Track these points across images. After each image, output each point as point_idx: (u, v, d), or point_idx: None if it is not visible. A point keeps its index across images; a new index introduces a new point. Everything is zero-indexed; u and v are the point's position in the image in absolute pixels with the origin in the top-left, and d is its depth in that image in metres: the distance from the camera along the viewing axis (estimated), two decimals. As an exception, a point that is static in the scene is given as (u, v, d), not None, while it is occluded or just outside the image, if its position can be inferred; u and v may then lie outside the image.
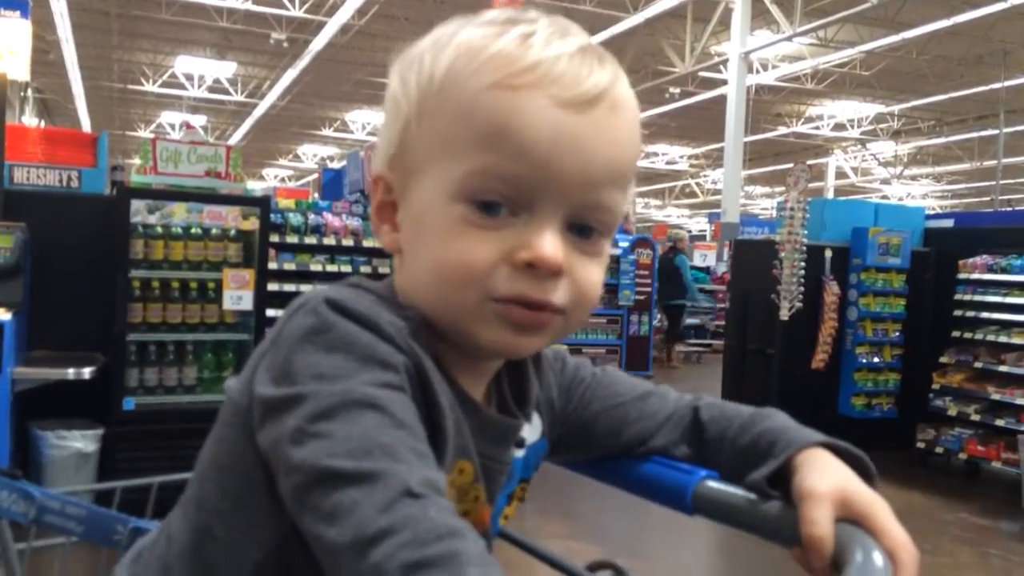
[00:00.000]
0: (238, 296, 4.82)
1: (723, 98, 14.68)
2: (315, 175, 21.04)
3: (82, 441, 4.34)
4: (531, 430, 0.81)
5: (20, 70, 4.85)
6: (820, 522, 0.61)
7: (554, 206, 0.66)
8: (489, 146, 0.64)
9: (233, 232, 4.95)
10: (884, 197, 26.06)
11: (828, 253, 7.04)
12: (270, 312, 5.04)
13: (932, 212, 8.67)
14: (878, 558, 0.54)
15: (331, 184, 11.29)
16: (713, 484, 0.68)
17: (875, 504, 0.63)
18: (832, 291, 6.95)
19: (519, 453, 0.80)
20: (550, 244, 0.66)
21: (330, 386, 0.60)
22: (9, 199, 4.69)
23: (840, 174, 26.05)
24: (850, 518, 0.61)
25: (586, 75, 0.66)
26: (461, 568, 0.50)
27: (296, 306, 0.66)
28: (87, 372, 4.27)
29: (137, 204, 4.67)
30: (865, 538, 0.56)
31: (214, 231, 4.89)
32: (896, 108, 19.60)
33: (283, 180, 33.37)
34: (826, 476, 0.65)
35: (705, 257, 16.93)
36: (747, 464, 0.71)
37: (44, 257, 4.63)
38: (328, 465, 0.56)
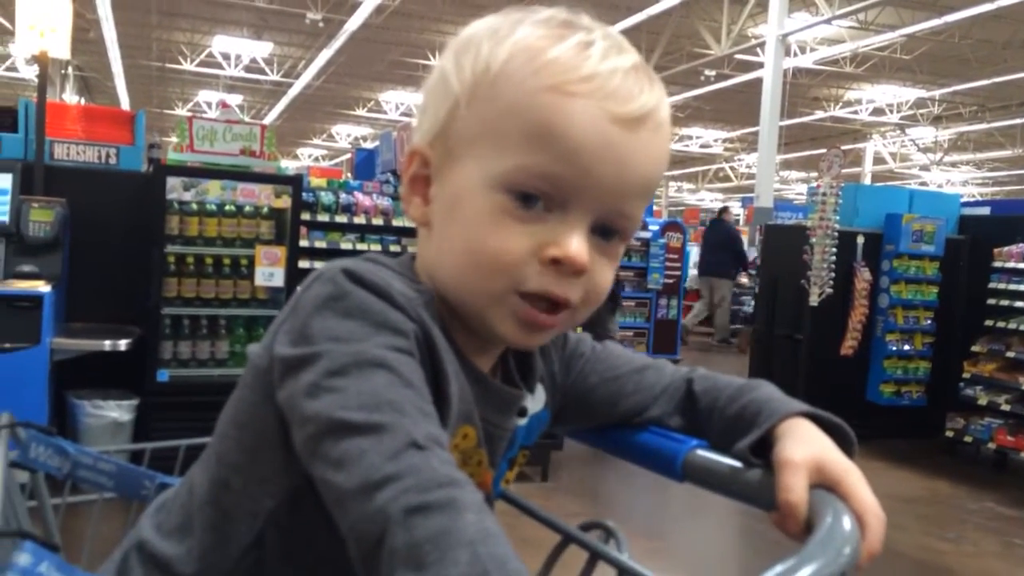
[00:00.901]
0: (270, 272, 4.91)
1: (759, 81, 14.51)
2: (348, 155, 21.18)
3: (117, 411, 4.47)
4: (534, 401, 0.86)
5: (61, 48, 4.93)
6: (795, 488, 0.65)
7: (586, 209, 0.70)
8: (538, 144, 0.68)
9: (266, 210, 5.03)
10: (923, 184, 25.63)
11: (860, 239, 6.98)
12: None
13: (969, 199, 8.54)
14: (847, 521, 0.57)
15: (364, 164, 11.36)
16: (702, 453, 0.71)
17: (848, 472, 0.67)
18: (863, 278, 6.89)
19: (521, 421, 0.84)
20: (578, 244, 0.70)
21: (345, 347, 0.64)
22: (50, 174, 4.81)
23: (878, 160, 25.65)
24: (825, 484, 0.65)
25: (637, 93, 0.70)
26: (459, 513, 0.54)
27: (315, 276, 0.71)
28: (123, 344, 4.38)
29: (173, 181, 4.76)
30: (836, 502, 0.60)
31: (247, 208, 4.98)
32: (937, 93, 19.23)
33: (316, 160, 33.59)
34: (803, 445, 0.69)
35: (737, 242, 16.78)
36: (735, 433, 0.75)
37: (83, 232, 4.74)
38: (340, 416, 0.60)
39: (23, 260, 4.50)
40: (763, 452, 0.71)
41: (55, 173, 4.84)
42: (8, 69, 20.11)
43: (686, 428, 0.83)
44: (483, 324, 0.73)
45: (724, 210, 13.15)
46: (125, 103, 23.14)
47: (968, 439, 6.68)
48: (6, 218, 4.49)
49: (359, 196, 5.79)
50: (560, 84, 0.68)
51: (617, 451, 0.80)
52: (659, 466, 0.73)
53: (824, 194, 6.75)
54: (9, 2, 6.70)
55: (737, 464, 0.68)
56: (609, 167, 0.69)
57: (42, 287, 4.25)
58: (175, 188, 4.78)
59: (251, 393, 0.74)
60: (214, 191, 4.91)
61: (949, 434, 6.82)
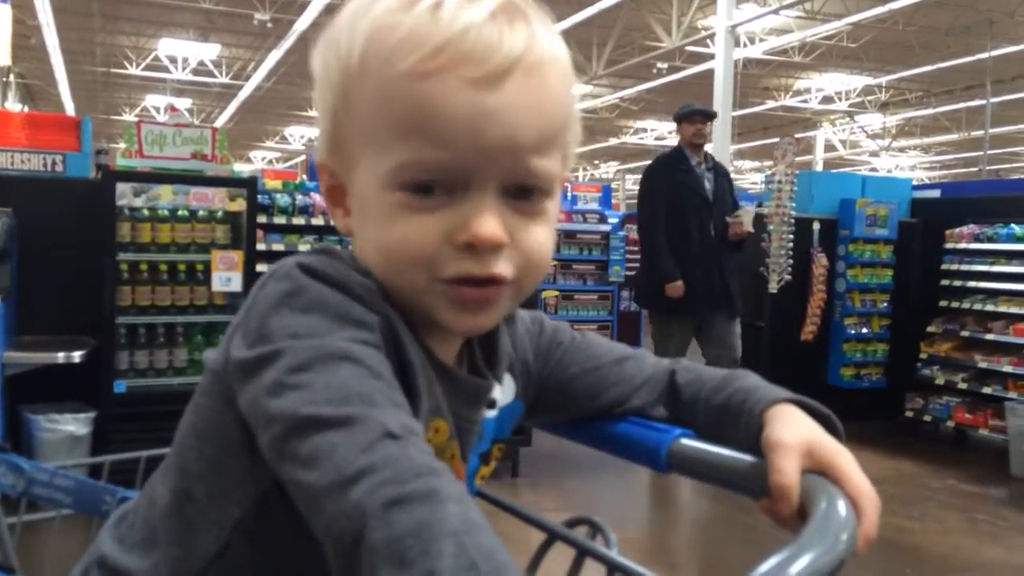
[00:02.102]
0: (227, 277, 4.82)
1: (711, 72, 14.64)
2: (303, 156, 20.92)
3: (74, 424, 4.35)
4: (503, 392, 0.83)
5: (1, 55, 4.79)
6: (787, 471, 0.63)
7: (486, 181, 0.66)
8: (411, 137, 0.65)
9: (220, 214, 4.94)
10: (873, 169, 26.09)
11: (816, 225, 7.06)
12: (259, 293, 5.02)
13: (919, 183, 8.71)
14: (842, 506, 0.55)
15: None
16: (686, 442, 0.69)
17: (840, 454, 0.65)
18: (820, 263, 6.98)
19: (490, 414, 0.82)
20: (487, 223, 0.66)
21: (307, 341, 0.61)
22: (-7, 184, 4.66)
23: (829, 147, 26.05)
24: (816, 468, 0.63)
25: (496, 44, 0.64)
26: (440, 504, 0.51)
27: (269, 274, 0.68)
28: (77, 356, 4.27)
29: (122, 187, 4.65)
30: (830, 487, 0.58)
31: (201, 213, 4.88)
32: (883, 80, 19.58)
33: (270, 162, 33.18)
34: (793, 428, 0.67)
35: (695, 232, 16.95)
36: (720, 423, 0.74)
37: (31, 242, 4.61)
38: (307, 412, 0.57)
39: (-32, 273, 4.36)
40: (750, 442, 0.70)
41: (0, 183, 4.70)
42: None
43: (669, 419, 0.80)
44: (426, 315, 0.71)
45: None
46: (70, 110, 22.62)
47: (928, 418, 6.81)
48: (-51, 231, 4.35)
49: (316, 197, 5.71)
50: (413, 65, 0.64)
51: (597, 443, 0.78)
52: (642, 457, 0.72)
53: (779, 182, 6.82)
54: (-56, 8, 6.52)
55: (724, 451, 0.66)
56: (490, 135, 0.64)
57: (-10, 300, 4.12)
58: (125, 194, 4.67)
59: (209, 400, 0.71)
60: (166, 196, 4.81)
61: (909, 414, 6.95)
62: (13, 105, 18.97)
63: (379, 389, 0.59)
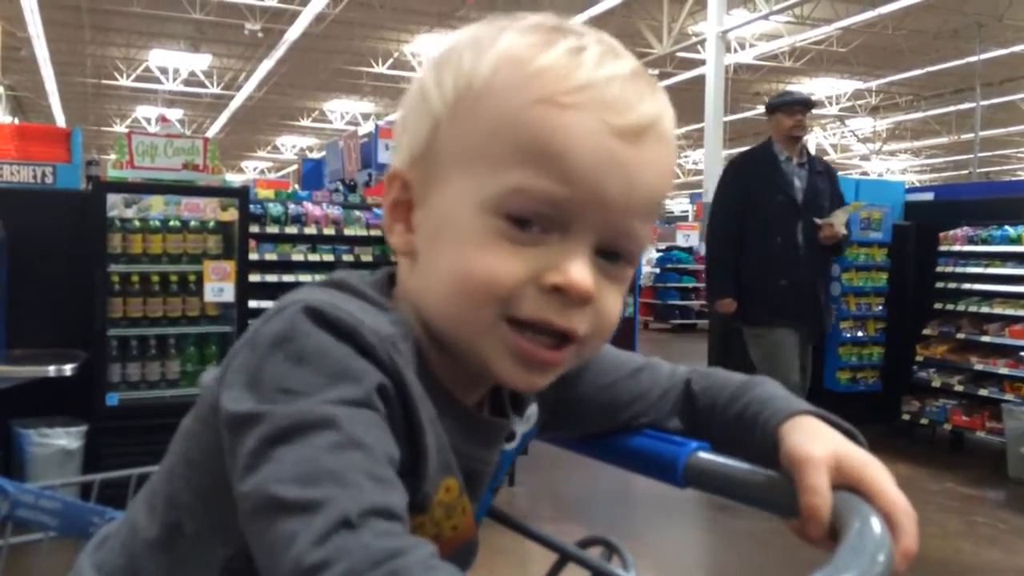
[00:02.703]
0: (219, 288, 4.78)
1: (702, 78, 14.67)
2: (295, 166, 20.89)
3: (65, 438, 4.30)
4: (524, 422, 0.79)
5: (-11, 65, 4.76)
6: (819, 489, 0.59)
7: (589, 230, 0.64)
8: (532, 163, 0.62)
9: (212, 224, 4.90)
10: (864, 173, 26.19)
11: (810, 229, 7.05)
12: (253, 303, 5.00)
13: (910, 187, 8.73)
14: (876, 524, 0.52)
15: (311, 174, 11.20)
16: (705, 455, 0.66)
17: (870, 466, 0.61)
18: (815, 267, 6.97)
19: (510, 446, 0.78)
20: (582, 269, 0.63)
21: (290, 405, 0.57)
22: (-17, 197, 4.62)
23: (819, 151, 26.14)
24: (846, 483, 0.60)
25: (637, 102, 0.64)
26: None
27: (276, 309, 0.64)
28: (68, 369, 4.21)
29: (113, 198, 4.61)
30: (861, 504, 0.55)
31: (193, 223, 4.84)
32: (874, 84, 19.67)
33: (262, 172, 33.14)
34: (819, 441, 0.63)
35: (688, 237, 16.98)
36: (736, 434, 0.70)
37: (21, 254, 4.57)
38: (273, 493, 0.54)
39: (-42, 287, 4.31)
40: (767, 455, 0.66)
41: (-11, 195, 4.65)
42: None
43: (685, 431, 0.77)
44: (478, 361, 0.66)
45: None
46: (61, 121, 22.56)
47: (924, 421, 6.80)
48: (-62, 244, 4.30)
49: (308, 206, 5.68)
50: (552, 95, 0.62)
51: (609, 458, 0.75)
52: (658, 472, 0.68)
53: (773, 186, 6.80)
54: (-68, 20, 6.48)
55: (745, 466, 0.63)
56: (613, 184, 0.62)
57: (-21, 314, 4.07)
58: (116, 205, 4.62)
59: (203, 428, 0.67)
60: (157, 207, 4.77)
61: (905, 417, 6.93)
62: (3, 117, 18.90)
63: (355, 463, 0.54)
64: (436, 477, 0.66)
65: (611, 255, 0.66)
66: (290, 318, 0.61)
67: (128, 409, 4.54)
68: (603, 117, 0.62)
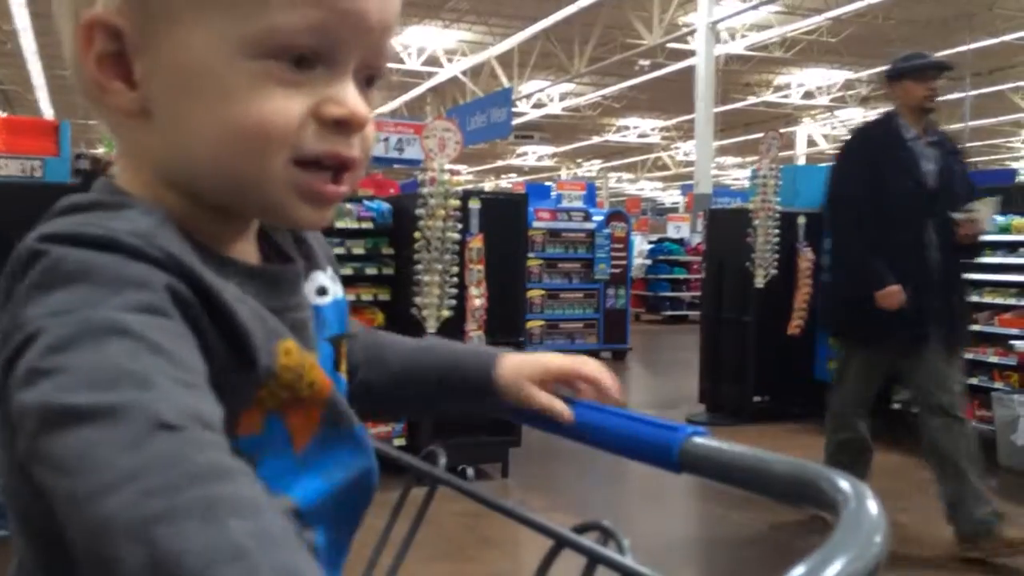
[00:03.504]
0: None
1: (692, 69, 14.67)
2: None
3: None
4: (331, 281, 0.77)
5: (-24, 58, 4.71)
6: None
7: (353, 56, 0.62)
8: None
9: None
10: (854, 164, 26.21)
11: (801, 220, 7.07)
12: (244, 297, 4.97)
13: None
14: (872, 504, 0.52)
15: (301, 167, 11.14)
16: (700, 440, 0.66)
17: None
18: (806, 257, 6.99)
19: (323, 300, 0.75)
20: (356, 97, 0.62)
21: (68, 317, 0.50)
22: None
23: (811, 142, 26.19)
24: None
25: None
26: (219, 520, 0.41)
27: (11, 264, 0.56)
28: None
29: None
30: (858, 484, 0.55)
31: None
32: (864, 74, 19.68)
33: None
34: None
35: (679, 229, 17.00)
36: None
37: (9, 249, 4.53)
38: (61, 402, 0.46)
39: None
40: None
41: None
42: None
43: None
44: (260, 210, 0.64)
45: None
46: (49, 115, 22.40)
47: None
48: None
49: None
50: None
51: (603, 445, 0.75)
52: (653, 458, 0.68)
53: (764, 176, 6.82)
54: (-83, 13, 6.41)
55: (743, 450, 0.63)
56: (370, 5, 0.61)
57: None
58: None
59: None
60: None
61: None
62: (-10, 111, 18.76)
63: (158, 366, 0.48)
64: (268, 346, 0.62)
65: (369, 79, 0.65)
66: (32, 254, 0.54)
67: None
68: None
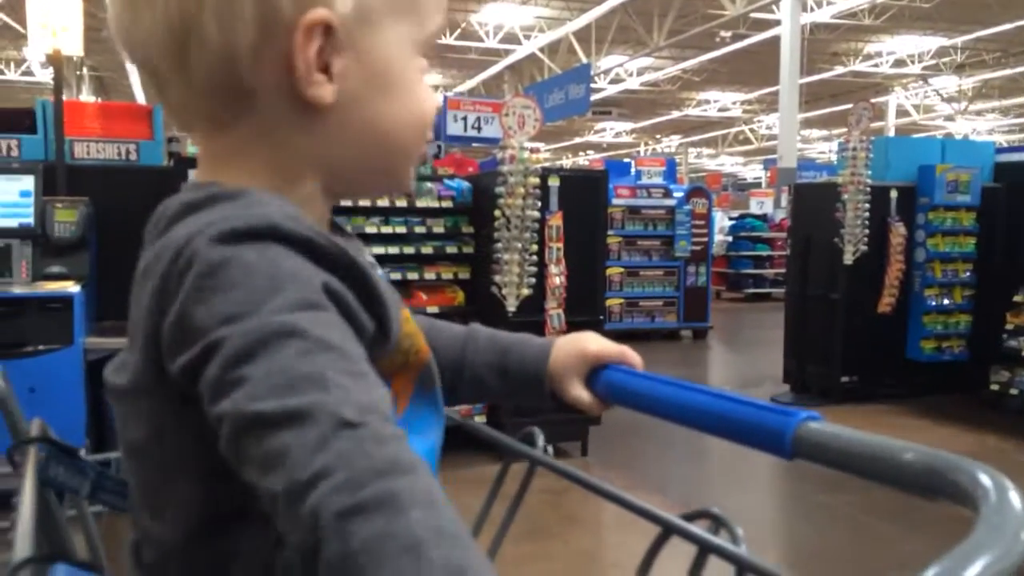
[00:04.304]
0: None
1: (777, 40, 14.23)
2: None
3: (154, 408, 4.45)
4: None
5: (74, 46, 4.89)
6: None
7: None
8: (439, 4, 0.73)
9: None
10: (948, 134, 25.13)
11: (893, 193, 6.82)
12: (328, 275, 5.06)
13: (1001, 147, 8.33)
14: (1015, 498, 0.48)
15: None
16: (816, 426, 0.63)
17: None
18: (898, 232, 6.74)
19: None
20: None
21: (241, 325, 0.54)
22: (71, 174, 4.79)
23: (901, 112, 25.19)
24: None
25: None
26: (401, 511, 0.46)
27: (167, 259, 0.59)
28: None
29: (193, 174, 4.71)
30: (997, 475, 0.51)
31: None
32: (959, 40, 18.77)
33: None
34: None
35: (762, 204, 16.60)
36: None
37: (108, 229, 4.72)
38: (252, 410, 0.51)
39: (51, 261, 4.48)
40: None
41: (76, 172, 4.81)
42: (24, 73, 20.20)
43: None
44: (398, 183, 0.75)
45: None
46: (142, 100, 23.19)
47: (1014, 392, 6.54)
48: (31, 220, 4.47)
49: (381, 178, 5.73)
50: None
51: (708, 427, 0.72)
52: (763, 442, 0.65)
53: (854, 149, 6.58)
54: (20, 6, 6.70)
55: (863, 436, 0.59)
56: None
57: (71, 287, 4.23)
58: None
59: (147, 422, 0.65)
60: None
61: (994, 387, 6.68)
62: (87, 97, 19.53)
63: (330, 363, 0.53)
64: (397, 315, 0.70)
65: None
66: (194, 253, 0.58)
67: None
68: None
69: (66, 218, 4.51)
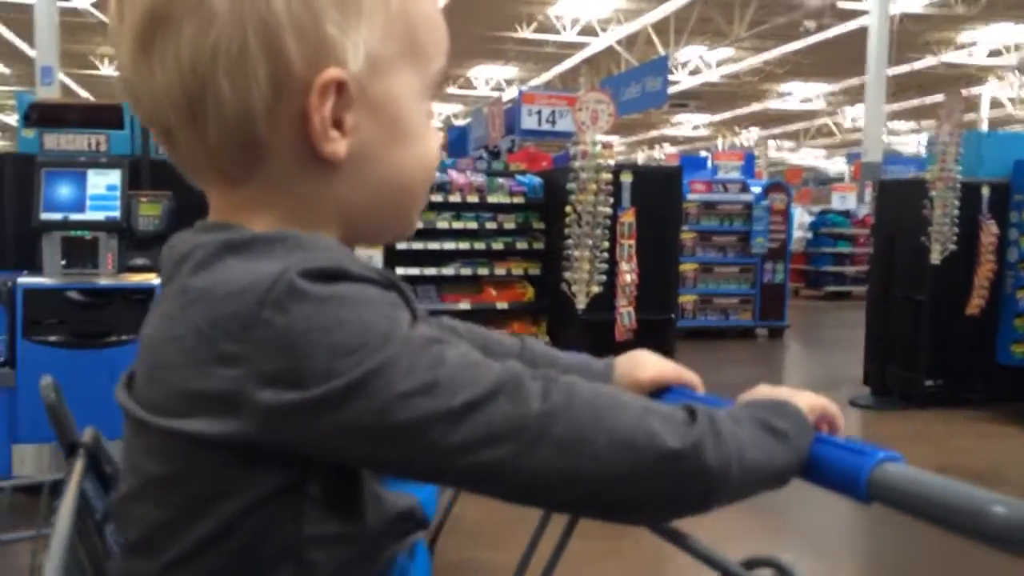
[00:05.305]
0: (368, 254, 4.91)
1: (863, 29, 13.76)
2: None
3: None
4: None
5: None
6: None
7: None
8: (442, 48, 0.73)
9: (362, 192, 5.03)
10: (1046, 127, 23.94)
11: (985, 190, 6.51)
12: (398, 270, 5.11)
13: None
14: None
15: (457, 141, 11.32)
16: (895, 468, 0.58)
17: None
18: (990, 231, 6.43)
19: None
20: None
21: (386, 350, 0.59)
22: (156, 169, 4.92)
23: (995, 104, 24.10)
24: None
25: None
26: (617, 415, 0.62)
27: (260, 303, 0.59)
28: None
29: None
30: None
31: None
32: (1060, 28, 17.85)
33: (450, 119, 33.92)
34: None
35: (844, 199, 16.11)
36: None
37: (189, 223, 4.83)
38: (459, 402, 0.59)
39: (135, 254, 4.63)
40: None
41: (160, 167, 4.94)
42: (117, 69, 20.95)
43: None
44: (405, 229, 0.75)
45: None
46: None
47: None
48: (117, 214, 4.61)
49: (453, 174, 5.73)
50: None
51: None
52: (837, 484, 0.61)
53: (944, 143, 6.30)
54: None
55: (945, 483, 0.53)
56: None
57: (155, 279, 4.36)
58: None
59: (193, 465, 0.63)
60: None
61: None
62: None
63: (469, 351, 0.63)
64: None
65: None
66: (290, 293, 0.59)
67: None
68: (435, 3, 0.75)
69: (150, 212, 4.64)
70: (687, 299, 9.90)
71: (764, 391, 0.74)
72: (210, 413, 0.60)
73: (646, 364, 0.87)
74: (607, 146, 5.37)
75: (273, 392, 0.58)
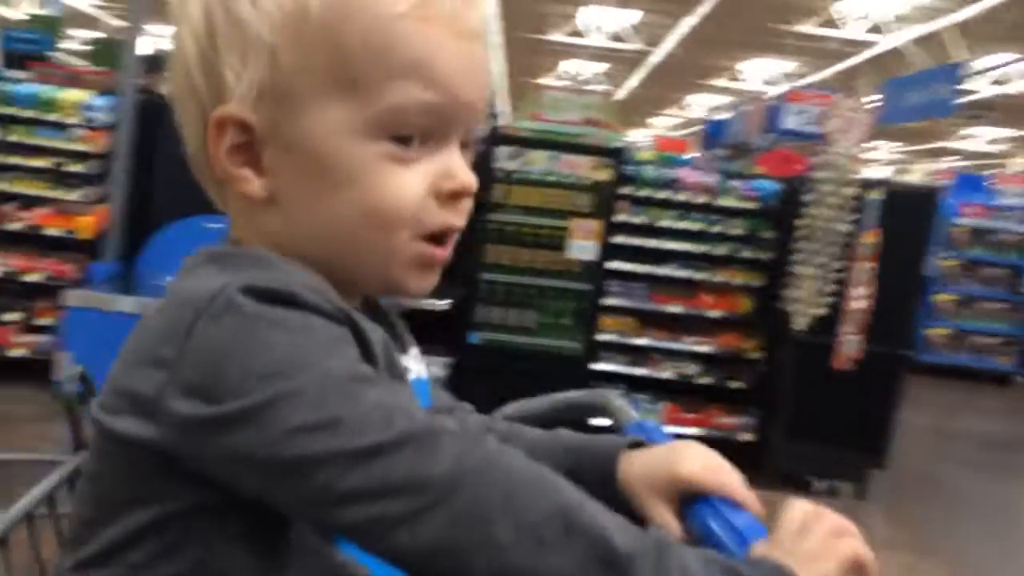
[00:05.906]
0: (583, 246, 4.92)
1: None
2: (699, 126, 20.77)
3: (435, 366, 4.77)
4: (415, 362, 0.77)
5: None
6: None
7: (458, 132, 0.67)
8: (409, 79, 0.63)
9: (587, 182, 5.04)
10: None
11: None
12: (614, 264, 5.07)
13: None
14: None
15: (715, 136, 11.03)
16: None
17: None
18: None
19: (411, 375, 0.75)
20: (466, 169, 0.67)
21: (300, 378, 0.56)
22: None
23: None
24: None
25: (468, 8, 0.66)
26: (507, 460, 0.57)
27: (196, 313, 0.58)
28: (444, 304, 4.64)
29: (501, 150, 4.94)
30: None
31: (569, 180, 5.02)
32: None
33: (674, 128, 33.49)
34: None
35: None
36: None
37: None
38: (356, 446, 0.55)
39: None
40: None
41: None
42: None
43: None
44: (382, 283, 0.69)
45: None
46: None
47: None
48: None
49: (684, 172, 5.57)
50: (411, 10, 0.63)
51: None
52: None
53: None
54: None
55: None
56: (475, 85, 0.66)
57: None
58: (502, 157, 4.95)
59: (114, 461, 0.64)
60: (539, 161, 5.01)
61: None
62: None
63: (399, 395, 0.59)
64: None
65: (465, 147, 0.69)
66: (228, 308, 0.58)
67: (487, 349, 4.90)
68: (454, 25, 0.64)
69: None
70: (938, 332, 8.98)
71: (786, 543, 0.60)
72: (135, 414, 0.60)
73: (692, 458, 0.72)
74: (855, 159, 4.96)
75: (186, 403, 0.57)
